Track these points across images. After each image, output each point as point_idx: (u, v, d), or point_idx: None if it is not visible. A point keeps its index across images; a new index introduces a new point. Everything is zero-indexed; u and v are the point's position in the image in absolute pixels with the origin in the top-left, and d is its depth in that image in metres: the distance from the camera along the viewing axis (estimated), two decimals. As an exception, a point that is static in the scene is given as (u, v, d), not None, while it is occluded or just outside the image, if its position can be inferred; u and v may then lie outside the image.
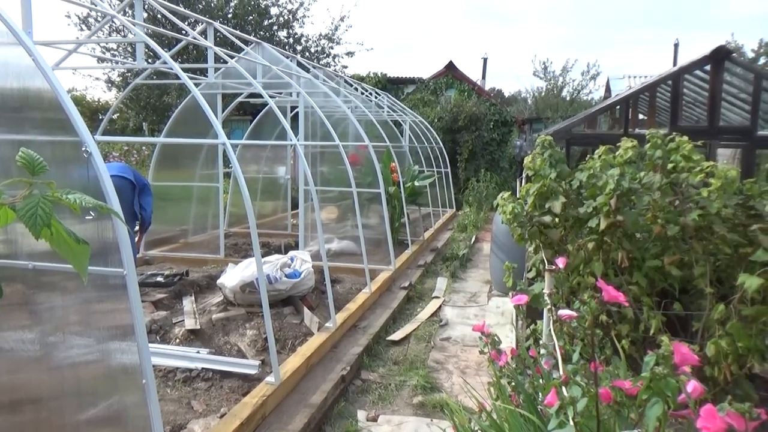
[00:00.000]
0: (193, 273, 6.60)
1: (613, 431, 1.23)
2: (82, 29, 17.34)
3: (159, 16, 14.67)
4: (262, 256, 6.52)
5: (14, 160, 0.93)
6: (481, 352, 2.26)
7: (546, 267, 2.37)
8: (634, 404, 1.15)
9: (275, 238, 8.94)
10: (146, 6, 5.21)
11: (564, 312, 1.44)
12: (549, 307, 2.23)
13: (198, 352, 4.35)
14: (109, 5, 13.26)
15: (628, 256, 3.26)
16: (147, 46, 4.45)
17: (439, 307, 6.09)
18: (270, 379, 3.58)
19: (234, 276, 5.09)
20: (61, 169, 2.43)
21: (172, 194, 8.23)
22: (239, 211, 9.67)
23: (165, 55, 3.66)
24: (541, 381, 2.00)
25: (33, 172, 0.90)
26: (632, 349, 3.24)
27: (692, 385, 1.09)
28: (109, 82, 18.85)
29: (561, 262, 2.07)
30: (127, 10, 8.65)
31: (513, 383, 2.13)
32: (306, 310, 5.03)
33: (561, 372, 1.52)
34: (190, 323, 4.84)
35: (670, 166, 3.37)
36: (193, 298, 5.67)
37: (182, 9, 5.66)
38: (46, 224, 0.79)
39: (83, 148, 2.30)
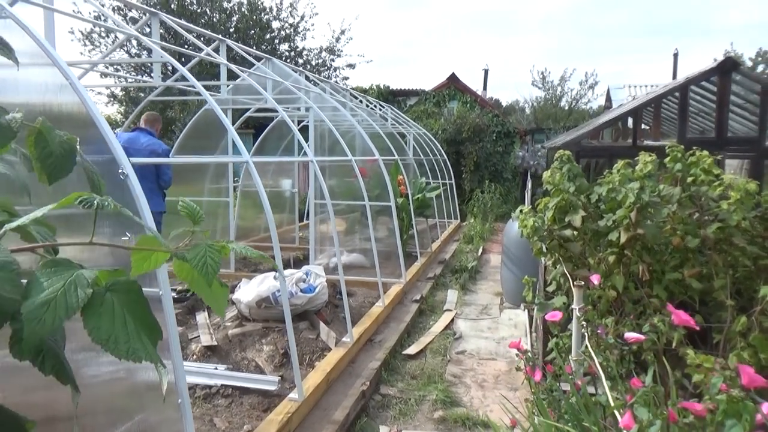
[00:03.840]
0: (205, 288, 6.61)
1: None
2: (85, 45, 17.47)
3: (162, 31, 14.78)
4: (270, 270, 6.55)
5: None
6: (518, 369, 2.28)
7: (575, 283, 2.40)
8: (703, 425, 1.18)
9: (283, 252, 8.92)
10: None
11: (631, 335, 1.47)
12: (582, 323, 2.25)
13: (216, 369, 4.37)
14: (113, 23, 13.38)
15: (648, 269, 3.29)
16: (164, 64, 4.50)
17: (452, 320, 6.11)
18: (293, 395, 3.59)
19: (249, 291, 5.11)
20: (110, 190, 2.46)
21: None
22: (246, 224, 9.69)
23: (188, 74, 3.71)
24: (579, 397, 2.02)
25: (195, 221, 0.97)
26: (655, 358, 3.27)
27: (767, 407, 1.11)
28: (112, 96, 18.95)
29: (595, 278, 2.09)
30: (145, 28, 8.72)
31: (547, 399, 2.15)
32: (322, 325, 5.04)
33: (607, 390, 1.54)
34: (206, 339, 4.86)
35: (689, 179, 3.42)
36: (206, 313, 5.68)
37: (196, 27, 5.73)
38: (215, 272, 0.84)
39: (120, 171, 2.34)
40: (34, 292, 0.72)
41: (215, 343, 4.77)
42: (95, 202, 0.86)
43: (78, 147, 0.91)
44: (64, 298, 0.72)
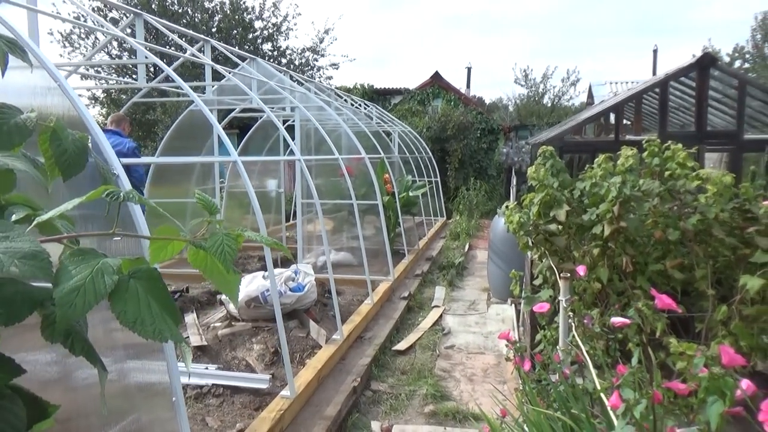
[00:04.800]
0: (193, 289, 6.60)
1: (663, 428, 1.31)
2: (65, 46, 17.27)
3: (145, 33, 14.66)
4: (258, 270, 6.56)
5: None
6: (507, 359, 2.34)
7: (561, 275, 2.46)
8: (685, 404, 1.24)
9: (270, 251, 8.95)
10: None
11: (617, 320, 1.52)
12: (569, 313, 2.31)
13: (207, 368, 4.38)
14: (98, 24, 13.24)
15: (631, 261, 3.37)
16: (147, 65, 4.49)
17: (440, 315, 6.17)
18: (285, 393, 3.62)
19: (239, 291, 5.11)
20: (85, 190, 2.47)
21: (166, 210, 8.20)
22: (233, 225, 9.57)
23: (174, 74, 3.71)
24: (566, 386, 2.07)
25: (211, 212, 1.03)
26: (637, 350, 3.35)
27: (746, 383, 1.18)
28: (93, 98, 18.77)
29: (581, 270, 2.15)
30: (129, 28, 8.65)
31: (536, 388, 2.20)
32: (312, 323, 5.07)
33: (594, 377, 1.59)
34: (195, 340, 4.86)
35: (666, 173, 3.51)
36: (194, 314, 5.68)
37: (180, 27, 5.71)
38: (233, 258, 0.89)
39: (112, 171, 2.35)
40: (64, 279, 0.77)
41: (205, 343, 4.77)
42: (121, 194, 0.93)
43: (89, 145, 0.95)
44: (92, 284, 0.77)
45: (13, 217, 0.87)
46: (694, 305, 3.47)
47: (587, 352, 1.83)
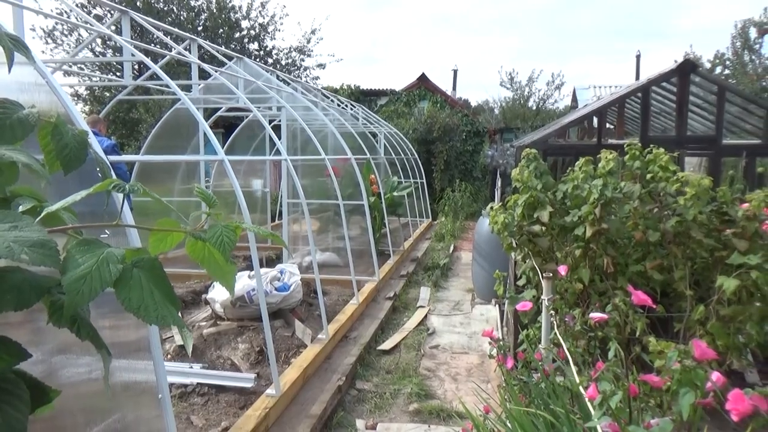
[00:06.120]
0: (178, 289, 6.57)
1: (640, 420, 1.36)
2: (47, 43, 17.06)
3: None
4: (244, 270, 6.55)
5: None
6: (491, 357, 2.38)
7: (544, 275, 2.51)
8: (659, 396, 1.28)
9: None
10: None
11: (596, 315, 1.57)
12: (551, 312, 2.36)
13: (191, 367, 4.38)
14: (77, 19, 13.09)
15: (612, 262, 3.44)
16: (133, 63, 4.47)
17: (425, 316, 6.22)
18: (270, 391, 3.64)
19: (224, 290, 5.11)
20: (76, 187, 2.47)
21: (150, 210, 8.18)
22: (217, 224, 9.63)
23: (161, 72, 3.71)
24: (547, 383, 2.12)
25: (210, 205, 1.07)
26: (614, 344, 3.42)
27: (716, 375, 1.23)
28: (76, 95, 18.55)
29: (563, 269, 2.20)
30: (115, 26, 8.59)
31: (518, 385, 2.25)
32: (297, 323, 5.08)
33: (574, 372, 1.64)
34: (180, 338, 4.85)
35: (648, 176, 3.59)
36: (179, 314, 5.66)
37: (167, 26, 5.69)
38: (231, 248, 0.92)
39: (97, 169, 2.35)
40: (71, 267, 0.80)
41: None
42: (127, 186, 0.96)
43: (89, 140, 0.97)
44: (98, 272, 0.80)
45: (20, 209, 0.90)
46: (672, 305, 3.55)
47: (568, 349, 1.88)
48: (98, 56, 16.82)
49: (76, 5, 16.47)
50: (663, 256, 3.44)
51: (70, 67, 7.13)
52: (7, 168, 0.89)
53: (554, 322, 2.30)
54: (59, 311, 0.83)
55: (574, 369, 1.73)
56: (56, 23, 16.65)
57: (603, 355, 3.14)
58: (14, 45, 0.88)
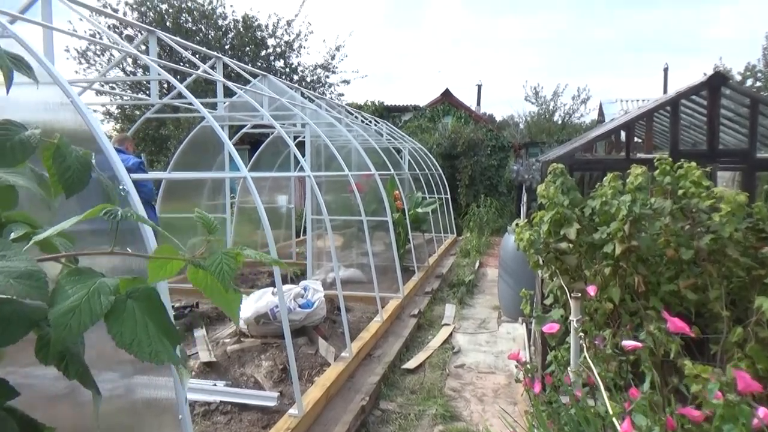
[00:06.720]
0: (203, 304, 6.60)
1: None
2: (80, 63, 17.56)
3: (159, 49, 14.89)
4: (268, 286, 6.56)
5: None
6: (517, 381, 2.30)
7: (572, 294, 2.43)
8: (699, 430, 1.21)
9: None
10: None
11: (628, 343, 1.50)
12: (580, 334, 2.28)
13: (215, 385, 4.36)
14: (108, 39, 13.45)
15: (644, 281, 3.32)
16: (160, 81, 4.54)
17: (450, 334, 6.12)
18: (293, 411, 3.59)
19: (248, 307, 5.11)
20: (94, 205, 2.48)
21: (177, 226, 8.28)
22: (243, 240, 9.71)
23: (185, 91, 3.75)
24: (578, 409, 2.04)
25: (211, 231, 1.02)
26: (653, 366, 3.29)
27: (763, 411, 1.15)
28: (108, 114, 19.02)
29: (592, 290, 2.12)
30: (142, 46, 8.78)
31: (547, 411, 2.17)
32: (321, 340, 5.05)
33: (606, 400, 1.57)
34: (204, 356, 4.85)
35: (679, 192, 3.47)
36: (204, 330, 5.68)
37: (193, 44, 5.79)
38: (231, 278, 0.88)
39: (120, 187, 2.37)
40: (60, 299, 0.76)
41: (214, 359, 4.76)
42: (119, 213, 0.91)
43: (93, 162, 0.95)
44: (88, 305, 0.76)
45: (12, 235, 0.87)
46: (708, 326, 3.41)
47: (599, 374, 1.80)
48: (129, 75, 17.24)
49: (109, 27, 16.96)
50: (697, 274, 3.32)
51: (102, 86, 7.30)
52: (3, 192, 0.86)
53: (583, 344, 2.22)
54: (46, 347, 0.79)
55: (605, 394, 1.65)
56: (89, 44, 17.12)
57: (636, 377, 3.03)
58: (15, 64, 0.87)
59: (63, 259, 0.88)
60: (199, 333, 5.48)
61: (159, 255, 0.92)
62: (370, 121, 12.35)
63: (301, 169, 5.26)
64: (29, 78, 0.90)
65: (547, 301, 3.69)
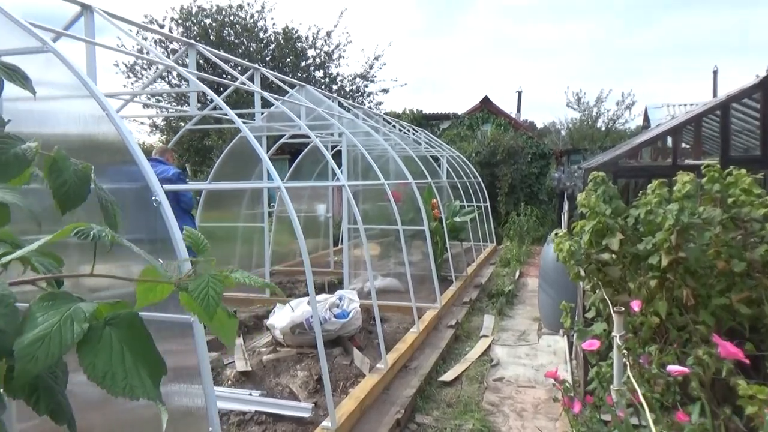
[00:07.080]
0: (240, 313, 6.66)
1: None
2: (129, 76, 18.19)
3: (200, 61, 15.27)
4: (305, 295, 6.56)
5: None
6: (555, 400, 2.19)
7: (615, 309, 2.31)
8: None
9: (318, 276, 8.96)
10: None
11: (674, 368, 1.40)
12: (623, 351, 2.16)
13: (250, 395, 4.36)
14: (153, 55, 13.88)
15: (693, 294, 3.15)
16: (199, 93, 4.62)
17: (489, 346, 5.98)
18: (326, 423, 3.55)
19: (284, 317, 5.12)
20: (130, 217, 2.51)
21: (217, 235, 8.41)
22: (282, 249, 9.80)
23: (222, 103, 3.79)
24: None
25: (199, 251, 0.94)
26: (702, 391, 3.11)
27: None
28: (154, 126, 19.63)
29: (636, 305, 2.01)
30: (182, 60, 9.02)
31: (588, 431, 2.05)
32: (356, 351, 5.00)
33: (650, 422, 1.46)
34: (240, 365, 4.87)
35: (729, 200, 3.29)
36: (241, 339, 5.72)
37: (231, 56, 5.89)
38: (217, 304, 0.81)
39: (153, 198, 2.38)
40: (29, 327, 0.69)
41: (250, 368, 4.77)
42: (92, 233, 0.84)
43: (93, 175, 0.90)
44: (59, 333, 0.69)
45: None
46: (763, 342, 3.21)
47: (643, 395, 1.69)
48: (173, 87, 17.75)
49: (155, 41, 17.53)
50: (751, 287, 3.12)
51: (149, 99, 7.50)
52: (-7, 209, 0.82)
53: (627, 362, 2.10)
54: (11, 381, 0.71)
55: (650, 417, 1.54)
56: (135, 59, 17.72)
57: (684, 397, 2.86)
58: (8, 74, 0.84)
59: (40, 283, 0.81)
60: (237, 342, 5.51)
61: (143, 278, 0.86)
62: (408, 130, 12.31)
63: (338, 179, 5.26)
64: (25, 89, 0.88)
65: (589, 314, 3.55)
